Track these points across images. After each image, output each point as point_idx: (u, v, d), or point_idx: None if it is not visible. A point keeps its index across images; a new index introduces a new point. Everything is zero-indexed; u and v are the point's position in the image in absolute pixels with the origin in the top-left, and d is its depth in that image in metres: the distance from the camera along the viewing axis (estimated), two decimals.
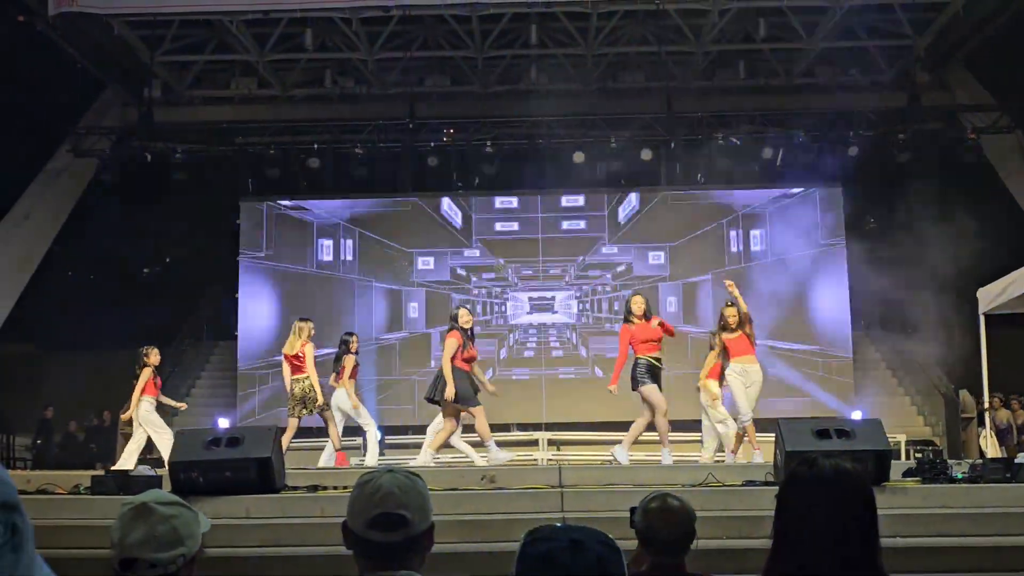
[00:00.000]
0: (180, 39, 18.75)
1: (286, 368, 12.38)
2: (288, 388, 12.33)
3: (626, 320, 11.60)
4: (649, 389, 11.27)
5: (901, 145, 18.82)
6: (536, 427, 17.92)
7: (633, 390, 11.42)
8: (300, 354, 12.26)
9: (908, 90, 19.33)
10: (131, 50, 18.69)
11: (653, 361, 11.38)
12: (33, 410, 20.56)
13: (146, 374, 12.61)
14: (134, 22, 17.52)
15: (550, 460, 16.32)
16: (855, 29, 18.54)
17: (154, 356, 12.85)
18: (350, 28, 18.01)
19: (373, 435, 12.81)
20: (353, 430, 13.20)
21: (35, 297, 20.01)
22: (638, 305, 11.54)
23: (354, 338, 12.97)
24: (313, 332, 12.55)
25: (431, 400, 11.78)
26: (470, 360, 11.62)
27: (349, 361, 12.64)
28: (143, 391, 12.54)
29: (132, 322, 21.09)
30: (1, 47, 18.59)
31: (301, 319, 12.68)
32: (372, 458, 12.66)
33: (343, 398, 12.62)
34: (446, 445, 11.97)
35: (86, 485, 9.57)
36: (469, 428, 11.91)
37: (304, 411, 12.24)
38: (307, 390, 12.18)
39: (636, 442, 11.80)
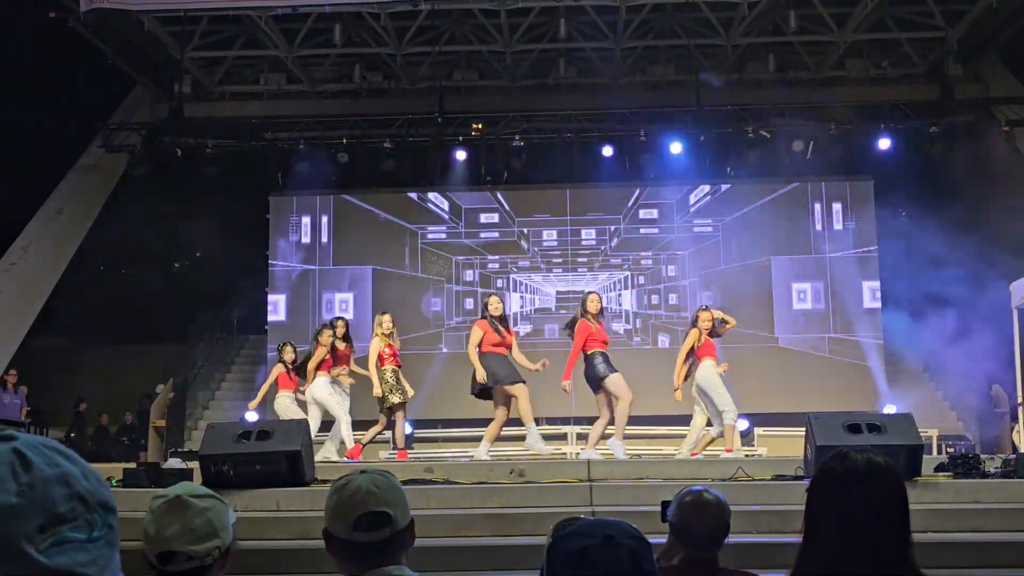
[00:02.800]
0: (210, 35, 18.84)
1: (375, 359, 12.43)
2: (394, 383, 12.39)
3: (584, 316, 11.59)
4: (617, 378, 11.27)
5: (933, 138, 18.67)
6: (565, 421, 17.91)
7: (598, 385, 11.36)
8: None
9: (940, 83, 19.17)
10: (161, 46, 18.81)
11: (606, 353, 11.44)
12: (66, 403, 20.77)
13: (277, 369, 13.35)
14: (164, 18, 17.63)
15: (579, 454, 16.30)
16: (886, 21, 18.41)
17: (288, 353, 13.40)
18: (378, 23, 18.05)
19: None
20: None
21: (68, 292, 20.20)
22: (595, 304, 11.62)
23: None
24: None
25: (478, 394, 11.74)
26: (499, 346, 11.63)
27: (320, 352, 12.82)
28: (279, 386, 13.26)
29: (163, 316, 21.30)
30: (33, 43, 18.77)
31: (383, 313, 12.85)
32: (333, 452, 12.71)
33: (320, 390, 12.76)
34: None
35: (118, 478, 9.65)
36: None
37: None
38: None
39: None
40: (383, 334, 12.45)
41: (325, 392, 12.72)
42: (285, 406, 13.21)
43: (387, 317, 12.62)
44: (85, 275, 21.72)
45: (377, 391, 12.20)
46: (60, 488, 1.30)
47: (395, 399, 12.27)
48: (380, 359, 12.32)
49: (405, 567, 2.43)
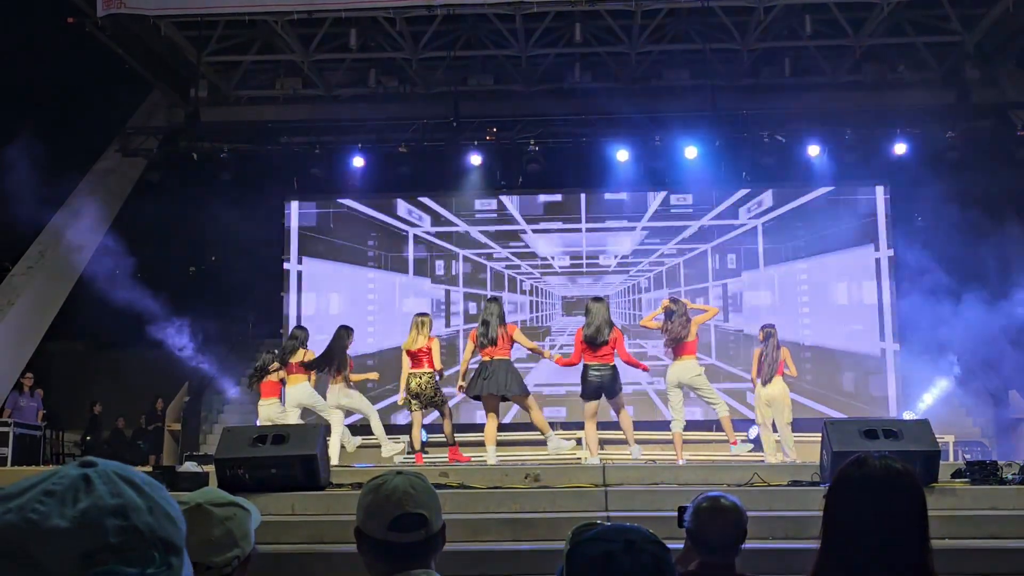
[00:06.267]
0: (226, 39, 18.90)
1: (406, 362, 12.30)
2: (404, 383, 12.27)
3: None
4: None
5: (950, 143, 18.59)
6: (580, 426, 17.87)
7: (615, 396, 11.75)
8: (425, 348, 12.16)
9: (957, 87, 19.09)
10: (178, 51, 18.87)
11: None
12: (83, 407, 20.84)
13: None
14: (181, 23, 17.70)
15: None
16: (903, 25, 18.34)
17: (300, 355, 13.46)
18: (394, 28, 18.07)
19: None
20: (366, 428, 13.24)
21: (84, 296, 20.26)
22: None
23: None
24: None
25: (505, 397, 11.89)
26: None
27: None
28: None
29: (178, 321, 21.34)
30: (51, 48, 18.85)
31: (421, 314, 12.50)
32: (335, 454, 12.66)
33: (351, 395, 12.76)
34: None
35: None
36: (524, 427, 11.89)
37: (416, 404, 12.22)
38: (424, 386, 12.12)
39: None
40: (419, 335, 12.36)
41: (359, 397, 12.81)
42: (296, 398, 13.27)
43: (416, 319, 12.48)
44: (101, 279, 21.77)
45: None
46: (114, 519, 1.29)
47: (400, 401, 12.36)
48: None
49: (434, 572, 2.42)
